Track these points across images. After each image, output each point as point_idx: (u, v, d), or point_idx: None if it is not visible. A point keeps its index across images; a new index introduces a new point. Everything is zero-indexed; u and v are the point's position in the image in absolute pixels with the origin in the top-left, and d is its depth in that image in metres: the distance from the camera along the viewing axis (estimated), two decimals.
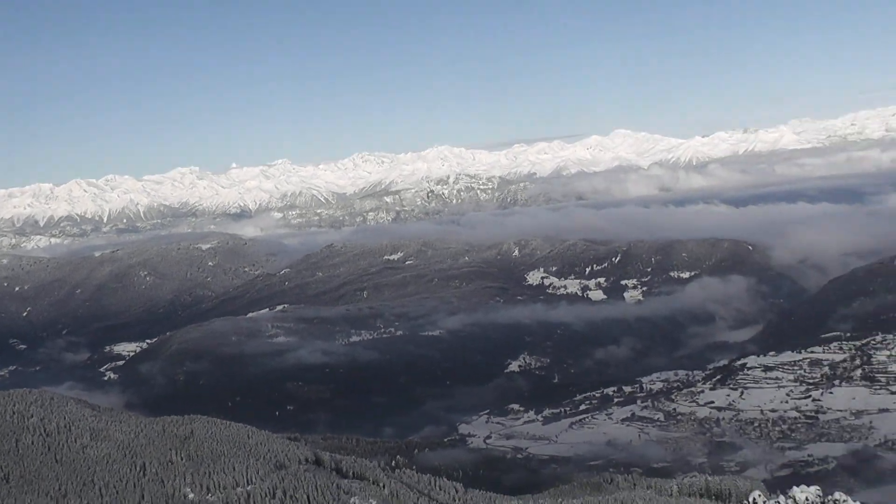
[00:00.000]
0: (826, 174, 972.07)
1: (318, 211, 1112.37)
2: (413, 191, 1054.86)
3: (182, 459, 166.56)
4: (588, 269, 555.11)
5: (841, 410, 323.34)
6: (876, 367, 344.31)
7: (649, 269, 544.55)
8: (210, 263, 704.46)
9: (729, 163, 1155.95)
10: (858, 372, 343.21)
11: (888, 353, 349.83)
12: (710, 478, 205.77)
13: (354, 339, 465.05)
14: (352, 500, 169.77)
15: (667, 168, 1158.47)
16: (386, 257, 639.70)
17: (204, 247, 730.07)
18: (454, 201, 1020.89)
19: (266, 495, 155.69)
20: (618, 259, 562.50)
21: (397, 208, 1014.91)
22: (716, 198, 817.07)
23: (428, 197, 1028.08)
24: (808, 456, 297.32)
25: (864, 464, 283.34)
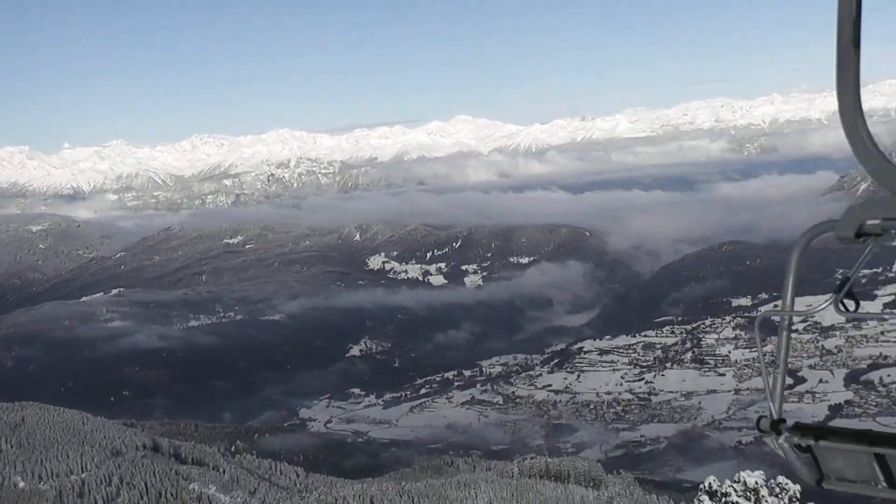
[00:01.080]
0: (659, 162, 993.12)
1: (156, 193, 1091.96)
2: (253, 174, 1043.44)
3: (12, 447, 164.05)
4: (429, 254, 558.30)
5: (672, 392, 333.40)
6: (705, 349, 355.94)
7: (489, 255, 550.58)
8: (41, 246, 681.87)
9: (567, 150, 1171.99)
10: (689, 355, 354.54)
11: (716, 336, 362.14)
12: (549, 459, 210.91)
13: (193, 323, 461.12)
14: (191, 485, 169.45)
15: (506, 154, 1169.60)
16: (225, 241, 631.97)
17: (34, 228, 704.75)
18: (295, 185, 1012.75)
19: (102, 483, 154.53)
20: (458, 244, 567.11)
21: (237, 191, 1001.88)
22: (554, 184, 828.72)
23: (268, 180, 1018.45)
24: (641, 437, 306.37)
25: (693, 443, 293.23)
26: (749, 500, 17.51)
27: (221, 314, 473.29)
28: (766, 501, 16.70)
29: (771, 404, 4.15)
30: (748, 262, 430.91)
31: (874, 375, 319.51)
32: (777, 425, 5.18)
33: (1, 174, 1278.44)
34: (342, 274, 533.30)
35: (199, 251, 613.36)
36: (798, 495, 18.04)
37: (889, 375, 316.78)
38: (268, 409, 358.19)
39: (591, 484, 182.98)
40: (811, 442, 4.72)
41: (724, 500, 16.97)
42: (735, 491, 17.61)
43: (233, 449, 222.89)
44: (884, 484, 3.64)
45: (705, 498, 17.92)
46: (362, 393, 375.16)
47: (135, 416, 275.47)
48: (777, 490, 17.31)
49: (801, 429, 5.36)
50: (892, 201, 2.93)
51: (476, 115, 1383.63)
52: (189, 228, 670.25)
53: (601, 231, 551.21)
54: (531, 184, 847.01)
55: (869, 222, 3.26)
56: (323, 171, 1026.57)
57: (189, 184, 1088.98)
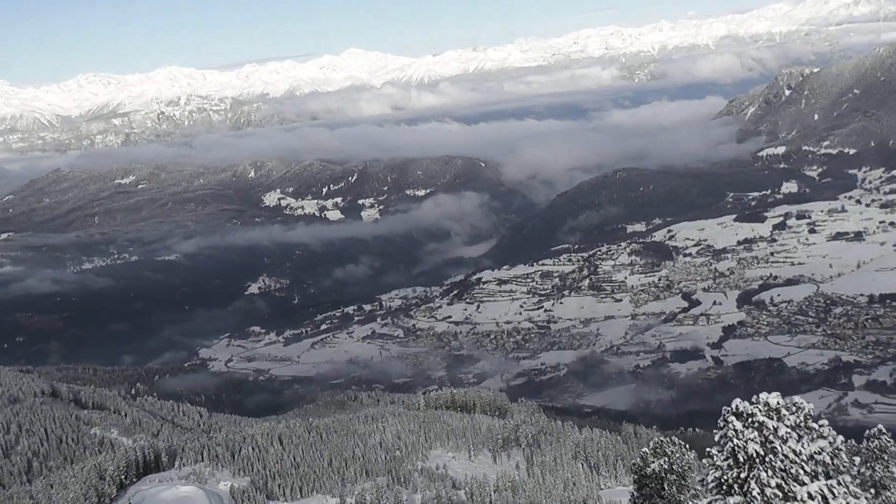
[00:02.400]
0: (551, 91, 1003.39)
1: (42, 135, 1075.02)
2: (143, 112, 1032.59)
3: None
4: (325, 190, 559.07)
5: (570, 320, 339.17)
6: (602, 276, 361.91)
7: (385, 188, 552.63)
8: None
9: (459, 81, 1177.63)
10: (586, 282, 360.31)
11: (612, 262, 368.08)
12: (455, 390, 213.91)
13: (87, 266, 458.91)
14: (92, 430, 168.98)
15: (399, 87, 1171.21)
16: (117, 181, 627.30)
17: None
18: (186, 123, 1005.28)
19: (0, 430, 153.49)
20: (354, 178, 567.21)
21: (126, 131, 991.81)
22: (448, 116, 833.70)
23: (158, 119, 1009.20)
24: (542, 364, 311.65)
25: (591, 369, 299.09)
26: (771, 418, 17.91)
27: (116, 256, 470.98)
28: (788, 419, 17.21)
29: None
30: (641, 189, 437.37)
31: (765, 296, 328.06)
32: None
33: None
34: (238, 212, 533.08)
35: (90, 192, 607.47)
36: (811, 413, 18.55)
37: (779, 295, 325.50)
38: (167, 351, 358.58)
39: (497, 413, 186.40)
40: None
41: (749, 419, 17.38)
42: (759, 411, 18.04)
43: (133, 392, 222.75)
44: None
45: (733, 418, 18.23)
46: (262, 331, 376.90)
47: (30, 363, 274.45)
48: (794, 409, 17.83)
49: None
50: None
51: (368, 49, 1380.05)
52: (79, 170, 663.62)
53: (496, 161, 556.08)
54: (425, 116, 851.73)
55: None
56: (214, 108, 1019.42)
57: (77, 124, 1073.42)
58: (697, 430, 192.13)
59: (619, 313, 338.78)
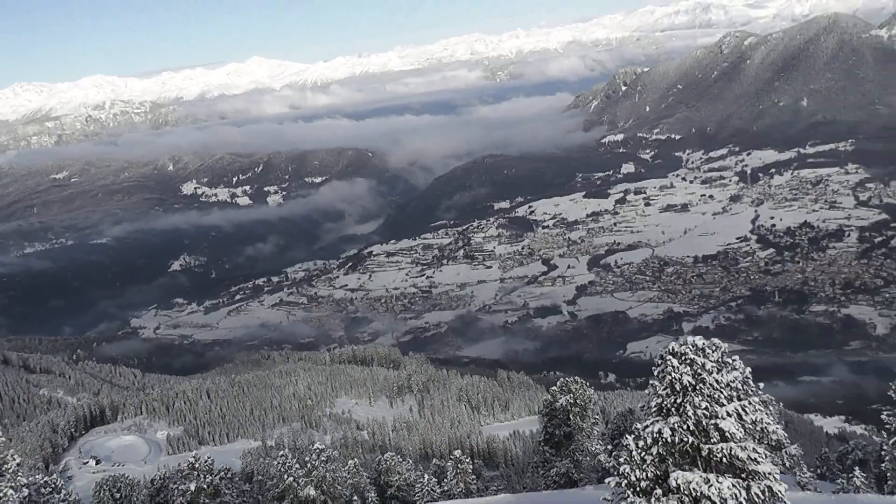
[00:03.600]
0: (426, 90, 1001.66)
1: None
2: (72, 116, 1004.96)
3: None
4: (234, 179, 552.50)
5: (448, 284, 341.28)
6: (474, 247, 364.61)
7: (287, 176, 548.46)
8: None
9: (347, 83, 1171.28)
10: (461, 252, 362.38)
11: (483, 235, 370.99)
12: (354, 347, 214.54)
13: (28, 250, 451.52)
14: (41, 391, 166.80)
15: (296, 89, 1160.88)
16: (52, 176, 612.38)
17: None
18: (111, 124, 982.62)
19: None
20: (260, 169, 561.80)
21: (59, 132, 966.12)
22: (338, 113, 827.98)
23: (87, 121, 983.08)
24: (426, 323, 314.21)
25: (468, 326, 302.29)
26: (699, 356, 18.58)
27: (54, 241, 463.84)
28: (711, 356, 17.85)
29: None
30: (505, 172, 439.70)
31: (610, 259, 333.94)
32: None
33: None
34: (159, 200, 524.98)
35: (28, 187, 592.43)
36: (726, 351, 19.26)
37: (622, 258, 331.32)
38: (103, 321, 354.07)
39: (392, 365, 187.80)
40: None
41: (682, 357, 17.98)
42: (690, 350, 18.70)
43: (75, 357, 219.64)
44: None
45: (670, 357, 18.83)
46: (185, 302, 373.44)
47: None
48: (714, 348, 18.45)
49: None
50: None
51: (269, 56, 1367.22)
52: (17, 167, 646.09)
53: (382, 151, 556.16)
54: (319, 114, 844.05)
55: None
56: (135, 111, 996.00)
57: (13, 127, 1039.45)
58: (558, 373, 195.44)
59: (489, 278, 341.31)
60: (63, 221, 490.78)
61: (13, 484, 27.84)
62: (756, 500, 18.99)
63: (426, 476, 56.01)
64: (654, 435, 19.42)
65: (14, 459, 29.45)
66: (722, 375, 19.70)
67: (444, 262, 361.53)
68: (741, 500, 18.76)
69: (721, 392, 19.49)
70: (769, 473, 19.25)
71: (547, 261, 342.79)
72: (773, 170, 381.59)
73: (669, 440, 19.31)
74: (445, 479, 53.82)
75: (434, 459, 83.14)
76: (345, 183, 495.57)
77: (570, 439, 45.49)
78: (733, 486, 18.86)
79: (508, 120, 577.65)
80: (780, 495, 19.42)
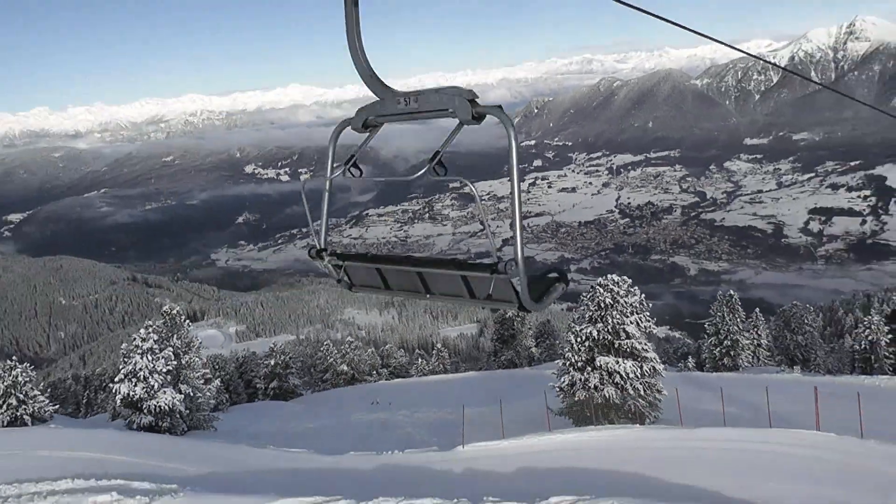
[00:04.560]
0: None
1: None
2: (176, 120, 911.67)
3: (55, 281, 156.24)
4: (279, 164, 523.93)
5: (418, 236, 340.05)
6: (435, 212, 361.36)
7: (313, 163, 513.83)
8: None
9: (355, 102, 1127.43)
10: (427, 215, 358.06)
11: (441, 204, 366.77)
12: None
13: (147, 207, 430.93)
14: (155, 299, 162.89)
15: (321, 105, 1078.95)
16: (163, 159, 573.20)
17: None
18: (200, 126, 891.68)
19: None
20: (296, 157, 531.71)
21: (167, 130, 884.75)
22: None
23: (185, 124, 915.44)
24: None
25: None
26: (616, 285, 19.40)
27: (164, 202, 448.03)
28: (622, 286, 18.66)
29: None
30: (457, 163, 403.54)
31: (524, 222, 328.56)
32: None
33: None
34: (230, 176, 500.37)
35: (148, 165, 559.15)
36: (630, 282, 19.98)
37: (532, 222, 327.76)
38: (193, 255, 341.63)
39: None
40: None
41: (606, 286, 18.81)
42: (611, 282, 19.41)
43: (176, 278, 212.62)
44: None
45: (598, 286, 19.60)
46: (246, 243, 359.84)
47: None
48: (624, 281, 19.23)
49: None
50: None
51: (303, 83, 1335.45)
52: (142, 152, 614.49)
53: (376, 148, 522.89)
54: (335, 122, 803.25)
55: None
56: (216, 117, 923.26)
57: (139, 126, 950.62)
58: None
59: (445, 233, 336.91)
60: (169, 189, 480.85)
61: (198, 355, 28.30)
62: (646, 373, 20.13)
63: (420, 359, 57.00)
64: (587, 334, 20.36)
65: (197, 339, 29.86)
66: (628, 298, 20.64)
67: (416, 221, 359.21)
68: (637, 373, 19.89)
69: (627, 309, 20.45)
70: (653, 358, 20.37)
71: (483, 222, 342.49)
72: (630, 167, 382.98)
73: (596, 337, 20.27)
74: (429, 361, 54.85)
75: (415, 350, 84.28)
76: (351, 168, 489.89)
77: (513, 338, 46.52)
78: (633, 365, 19.94)
79: (461, 132, 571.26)
80: (659, 371, 20.57)
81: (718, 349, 39.12)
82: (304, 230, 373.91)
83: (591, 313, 20.32)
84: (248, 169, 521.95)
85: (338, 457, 14.51)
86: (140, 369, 21.67)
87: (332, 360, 46.41)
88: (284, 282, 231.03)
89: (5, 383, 23.10)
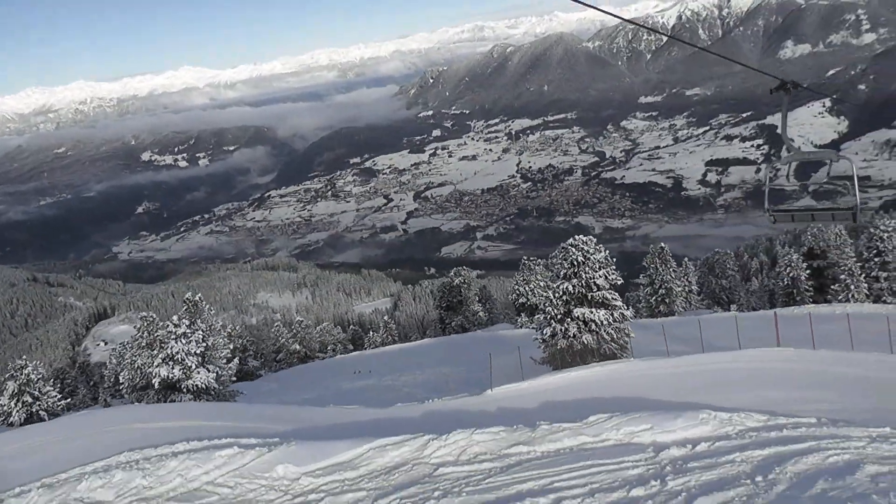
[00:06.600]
0: (300, 86, 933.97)
1: None
2: (66, 109, 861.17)
3: None
4: (176, 149, 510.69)
5: (322, 215, 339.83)
6: (338, 189, 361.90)
7: (211, 146, 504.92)
8: None
9: (248, 82, 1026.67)
10: (329, 192, 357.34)
11: (343, 180, 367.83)
12: (267, 259, 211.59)
13: (42, 202, 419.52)
14: (59, 298, 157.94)
15: (213, 87, 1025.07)
16: (55, 151, 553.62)
17: None
18: (91, 114, 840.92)
19: None
20: (192, 142, 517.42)
21: (57, 121, 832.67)
22: (243, 102, 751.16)
23: (75, 113, 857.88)
24: (309, 241, 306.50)
25: (337, 241, 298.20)
26: (585, 245, 21.69)
27: (58, 195, 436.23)
28: (590, 244, 20.74)
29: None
30: (356, 138, 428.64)
31: (427, 193, 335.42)
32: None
33: None
34: (126, 165, 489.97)
35: (39, 159, 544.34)
36: (597, 241, 22.27)
37: (435, 192, 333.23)
38: (93, 249, 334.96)
39: (291, 269, 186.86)
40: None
41: (577, 245, 20.88)
42: (581, 242, 21.53)
43: (78, 275, 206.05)
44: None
45: (570, 246, 21.84)
46: (147, 234, 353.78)
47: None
48: (592, 241, 21.31)
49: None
50: None
51: (195, 65, 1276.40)
52: (32, 145, 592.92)
53: (273, 127, 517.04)
54: (230, 103, 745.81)
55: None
56: (107, 104, 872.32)
57: (27, 118, 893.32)
58: (398, 270, 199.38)
59: (349, 209, 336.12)
60: (64, 181, 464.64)
61: (220, 337, 29.17)
62: (617, 319, 22.93)
63: (371, 332, 58.71)
64: (563, 289, 22.95)
65: (218, 321, 30.45)
66: (597, 256, 23.26)
67: (319, 199, 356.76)
68: (609, 320, 22.68)
69: (596, 265, 23.09)
70: (620, 305, 23.19)
71: (386, 196, 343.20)
72: (528, 131, 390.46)
73: (571, 291, 22.88)
74: (378, 334, 56.46)
75: (351, 325, 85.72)
76: (250, 149, 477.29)
77: (461, 304, 48.91)
78: (605, 313, 22.71)
79: (356, 104, 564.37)
80: (627, 316, 23.44)
81: (654, 297, 42.92)
82: (207, 216, 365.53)
83: (565, 270, 22.91)
84: (145, 156, 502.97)
85: (385, 409, 16.53)
86: (177, 353, 22.98)
87: (283, 340, 47.83)
88: (191, 270, 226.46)
89: (19, 382, 23.82)
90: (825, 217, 10.59)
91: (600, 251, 23.46)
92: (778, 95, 9.79)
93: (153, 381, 22.65)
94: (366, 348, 53.18)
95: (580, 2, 6.02)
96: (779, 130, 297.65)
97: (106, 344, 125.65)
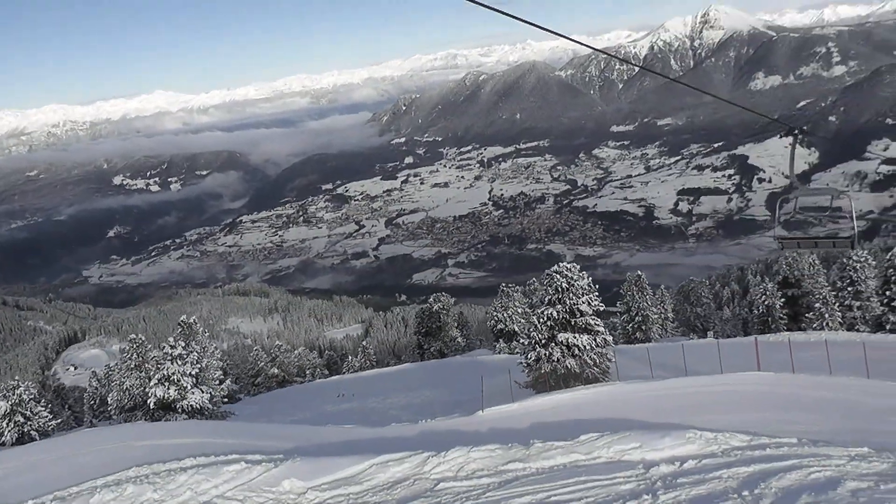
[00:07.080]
0: (273, 112, 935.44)
1: None
2: (38, 132, 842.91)
3: None
4: (148, 173, 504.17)
5: (294, 240, 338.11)
6: (310, 214, 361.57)
7: (183, 171, 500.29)
8: None
9: (221, 108, 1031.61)
10: (301, 218, 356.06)
11: (315, 206, 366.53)
12: (238, 284, 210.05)
13: (13, 225, 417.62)
14: (28, 322, 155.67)
15: (186, 112, 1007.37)
16: (27, 174, 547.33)
17: None
18: (64, 137, 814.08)
19: None
20: (165, 166, 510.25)
21: (29, 143, 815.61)
22: (216, 127, 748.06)
23: (48, 136, 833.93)
24: (280, 266, 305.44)
25: (308, 267, 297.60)
26: (569, 271, 22.18)
27: (29, 218, 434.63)
28: (574, 270, 21.28)
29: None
30: (328, 164, 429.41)
31: (399, 220, 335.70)
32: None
33: None
34: (98, 189, 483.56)
35: (10, 182, 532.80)
36: (580, 268, 22.73)
37: (407, 219, 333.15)
38: (64, 273, 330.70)
39: (262, 295, 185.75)
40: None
41: (562, 271, 21.33)
42: (566, 269, 22.07)
43: (48, 299, 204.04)
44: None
45: (555, 272, 22.28)
46: (118, 258, 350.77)
47: None
48: (576, 267, 21.85)
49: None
50: None
51: (167, 89, 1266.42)
52: (2, 168, 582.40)
53: (246, 153, 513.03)
54: (203, 128, 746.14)
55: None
56: (80, 128, 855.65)
57: None
58: (369, 296, 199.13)
59: (320, 235, 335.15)
60: (35, 205, 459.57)
61: (213, 359, 29.26)
62: (599, 344, 23.57)
63: (350, 357, 58.79)
64: (548, 315, 23.56)
65: (212, 344, 30.51)
66: (580, 282, 23.92)
67: (290, 225, 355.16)
68: (592, 344, 23.32)
69: (580, 291, 23.75)
70: (603, 331, 23.87)
71: (358, 222, 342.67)
72: (500, 159, 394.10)
73: (555, 317, 23.50)
74: (356, 359, 56.61)
75: (325, 351, 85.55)
76: (222, 174, 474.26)
77: (440, 329, 49.31)
78: (588, 339, 23.35)
79: (329, 130, 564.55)
80: (609, 342, 24.11)
81: (631, 325, 43.77)
82: (178, 241, 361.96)
83: (549, 297, 23.56)
84: (117, 180, 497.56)
85: (380, 428, 16.93)
86: (172, 374, 23.16)
87: (262, 364, 47.80)
88: (162, 294, 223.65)
89: (10, 402, 23.78)
90: (827, 244, 11.49)
91: (584, 278, 24.16)
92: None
93: (149, 401, 22.80)
94: (344, 373, 53.39)
95: (553, 32, 6.23)
96: (756, 163, 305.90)
97: (76, 368, 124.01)
